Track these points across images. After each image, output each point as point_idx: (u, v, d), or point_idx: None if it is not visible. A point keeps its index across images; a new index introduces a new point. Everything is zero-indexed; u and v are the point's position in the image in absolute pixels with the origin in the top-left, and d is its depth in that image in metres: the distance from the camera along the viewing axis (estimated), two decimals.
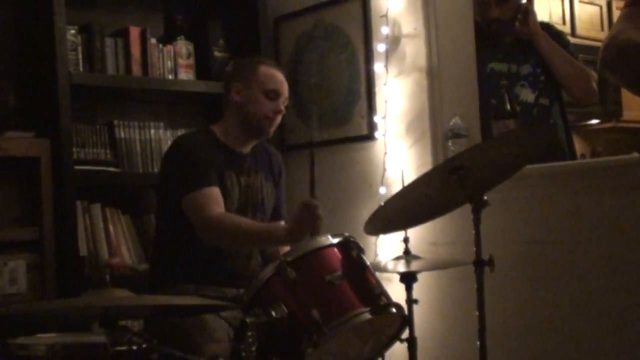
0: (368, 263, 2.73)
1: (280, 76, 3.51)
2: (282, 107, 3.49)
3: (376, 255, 3.92)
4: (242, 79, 3.49)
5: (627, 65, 2.28)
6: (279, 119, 3.50)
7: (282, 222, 3.58)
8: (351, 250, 2.66)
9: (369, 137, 4.16)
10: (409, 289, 3.19)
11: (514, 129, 3.52)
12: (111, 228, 4.03)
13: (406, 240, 3.23)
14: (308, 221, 3.06)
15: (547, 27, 4.47)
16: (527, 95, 4.04)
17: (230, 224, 3.25)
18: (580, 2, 6.82)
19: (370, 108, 4.16)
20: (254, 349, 2.36)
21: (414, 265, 3.14)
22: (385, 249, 3.90)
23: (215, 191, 3.31)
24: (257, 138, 3.54)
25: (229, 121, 3.51)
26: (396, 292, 3.05)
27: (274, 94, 3.46)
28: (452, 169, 2.74)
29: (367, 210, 3.19)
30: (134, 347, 2.32)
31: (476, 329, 2.77)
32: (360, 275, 2.64)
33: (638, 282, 3.29)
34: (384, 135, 4.07)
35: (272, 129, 3.51)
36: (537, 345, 3.56)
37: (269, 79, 3.47)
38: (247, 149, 3.54)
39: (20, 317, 2.95)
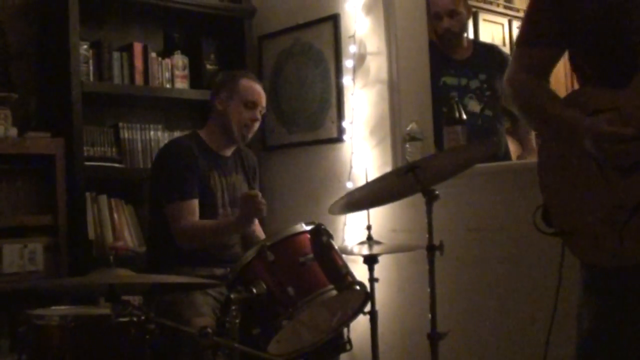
0: (336, 247, 2.73)
1: (258, 88, 3.49)
2: (259, 116, 3.46)
3: (343, 240, 3.90)
4: (226, 91, 3.46)
5: (520, 106, 2.29)
6: (256, 126, 3.48)
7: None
8: (322, 236, 2.67)
9: (338, 139, 4.13)
10: (371, 270, 3.19)
11: (463, 144, 3.51)
12: (115, 216, 3.99)
13: (369, 227, 3.23)
14: (251, 208, 3.04)
15: (492, 48, 4.49)
16: (474, 106, 4.04)
17: (198, 232, 3.23)
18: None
19: (340, 115, 4.13)
20: (237, 320, 2.36)
21: (375, 249, 3.15)
22: (351, 235, 3.88)
23: (192, 203, 3.27)
24: (236, 143, 3.50)
25: (213, 127, 3.49)
26: (360, 272, 3.06)
27: (252, 104, 3.43)
28: (408, 168, 2.74)
29: None
30: (134, 319, 2.31)
31: (428, 303, 2.77)
32: (329, 257, 2.66)
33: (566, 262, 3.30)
34: (351, 138, 4.04)
35: (250, 135, 3.49)
36: (479, 317, 3.57)
37: (248, 91, 3.44)
38: (228, 152, 3.51)
39: (38, 292, 2.93)
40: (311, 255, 2.59)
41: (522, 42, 2.28)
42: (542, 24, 2.21)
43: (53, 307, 2.78)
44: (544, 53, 2.24)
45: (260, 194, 3.11)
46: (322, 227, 2.69)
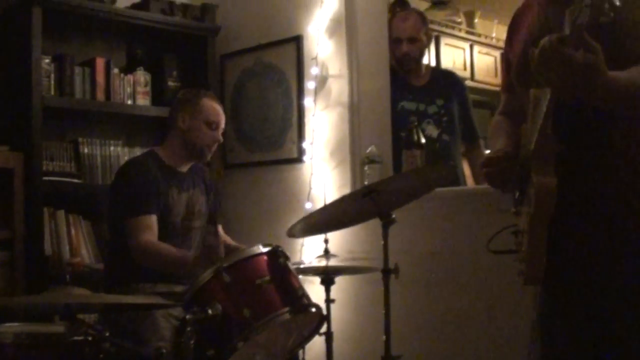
0: (293, 269, 2.74)
1: (220, 109, 3.49)
2: (220, 137, 3.47)
3: (301, 258, 3.92)
4: (189, 109, 3.45)
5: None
6: (216, 146, 3.48)
7: (220, 227, 3.54)
8: (279, 258, 2.68)
9: (299, 160, 4.16)
10: (327, 290, 3.21)
11: (420, 167, 3.56)
12: (73, 232, 3.97)
13: (326, 241, 3.25)
14: (210, 255, 3.03)
15: (450, 75, 4.58)
16: (432, 131, 4.10)
17: (154, 253, 3.20)
18: (479, 52, 6.93)
19: (300, 135, 4.16)
20: (192, 342, 2.35)
21: (332, 262, 3.18)
22: (309, 255, 3.90)
23: (150, 219, 3.25)
24: (197, 161, 3.51)
25: (172, 145, 3.47)
26: (317, 292, 3.08)
27: (215, 125, 3.43)
28: (366, 191, 2.77)
29: (294, 222, 3.20)
30: (89, 338, 2.30)
31: (383, 324, 2.80)
32: (286, 279, 2.66)
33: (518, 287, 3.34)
34: (311, 159, 4.08)
35: (210, 155, 3.50)
36: (434, 341, 3.60)
37: (211, 111, 3.44)
38: (185, 169, 3.51)
39: None
40: (268, 278, 2.59)
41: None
42: (503, 71, 2.37)
43: (7, 324, 2.76)
44: (506, 98, 2.36)
45: (221, 244, 3.09)
46: (280, 249, 2.70)
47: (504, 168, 2.09)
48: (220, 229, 3.57)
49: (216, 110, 3.46)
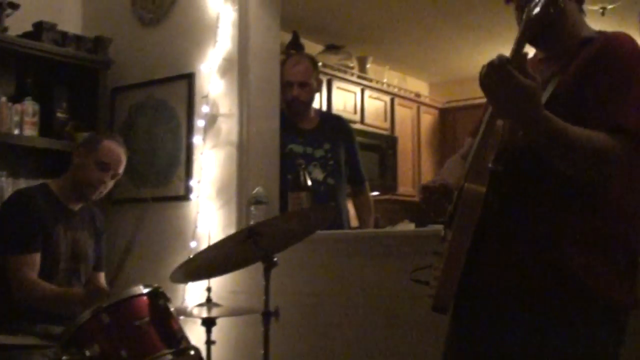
0: (173, 311, 2.75)
1: (117, 152, 3.45)
2: (107, 180, 3.43)
3: (183, 300, 3.91)
4: (86, 147, 3.44)
5: None
6: (102, 188, 3.43)
7: (102, 275, 3.55)
8: (159, 299, 2.69)
9: (185, 197, 4.16)
10: (208, 332, 3.20)
11: (304, 208, 3.61)
12: None
13: (209, 289, 3.25)
14: (95, 300, 3.03)
15: (338, 119, 4.69)
16: (318, 174, 4.19)
17: (38, 291, 3.19)
18: (369, 97, 7.10)
19: (188, 173, 4.16)
20: None
21: (214, 312, 3.17)
22: (192, 296, 3.89)
23: (33, 257, 3.23)
24: (81, 200, 3.47)
25: (66, 179, 3.45)
26: (198, 333, 3.08)
27: (104, 166, 3.40)
28: (249, 234, 2.80)
29: (179, 260, 3.20)
30: None
31: None
32: (166, 321, 2.67)
33: (397, 327, 3.43)
34: (197, 197, 4.09)
35: (94, 196, 3.44)
36: None
37: (105, 151, 3.41)
38: (77, 207, 3.47)
39: None
40: (147, 319, 2.60)
41: None
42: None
43: None
44: (470, 142, 2.41)
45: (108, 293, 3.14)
46: (160, 290, 2.71)
47: (438, 199, 2.16)
48: (102, 276, 3.55)
49: (112, 153, 3.43)
